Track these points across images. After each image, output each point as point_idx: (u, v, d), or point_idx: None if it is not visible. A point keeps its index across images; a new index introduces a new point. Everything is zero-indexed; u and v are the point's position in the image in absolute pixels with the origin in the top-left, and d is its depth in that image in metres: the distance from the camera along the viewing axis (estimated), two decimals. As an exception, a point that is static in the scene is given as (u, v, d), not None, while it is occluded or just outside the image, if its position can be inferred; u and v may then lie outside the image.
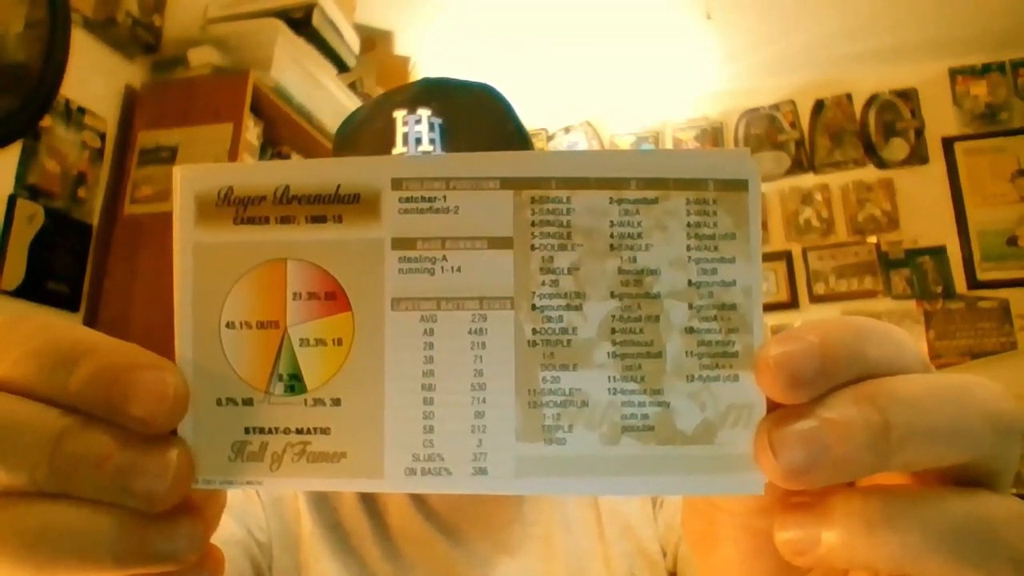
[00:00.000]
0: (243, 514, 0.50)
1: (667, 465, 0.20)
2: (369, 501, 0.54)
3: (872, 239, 2.44)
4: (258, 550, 0.50)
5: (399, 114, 0.54)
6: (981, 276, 2.34)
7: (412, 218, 0.20)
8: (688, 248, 0.20)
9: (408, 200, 0.20)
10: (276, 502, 0.52)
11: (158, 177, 1.44)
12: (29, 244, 1.28)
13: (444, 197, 0.20)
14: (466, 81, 0.60)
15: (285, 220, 0.20)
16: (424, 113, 0.54)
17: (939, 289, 2.36)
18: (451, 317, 0.20)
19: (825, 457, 0.18)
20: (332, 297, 0.20)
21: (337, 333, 0.20)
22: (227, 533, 0.47)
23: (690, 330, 0.20)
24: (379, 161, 0.21)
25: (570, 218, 0.20)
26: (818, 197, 2.53)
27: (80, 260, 1.39)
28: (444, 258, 0.20)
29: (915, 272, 2.38)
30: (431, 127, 0.54)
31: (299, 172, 0.20)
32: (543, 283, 0.20)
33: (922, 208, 2.43)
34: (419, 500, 0.54)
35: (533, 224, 0.20)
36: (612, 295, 0.20)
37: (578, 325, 0.20)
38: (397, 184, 0.20)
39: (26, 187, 1.28)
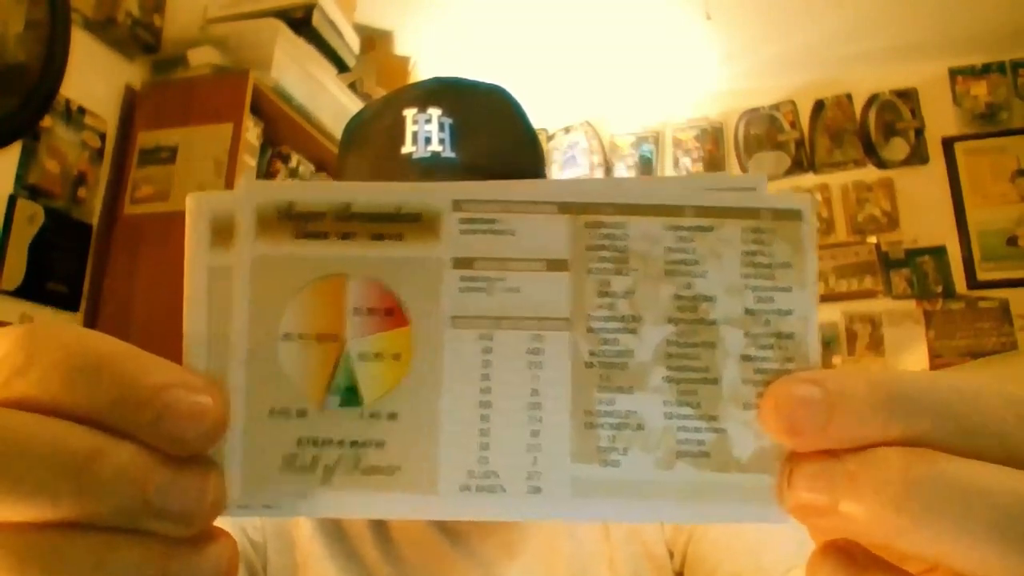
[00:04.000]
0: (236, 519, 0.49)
1: (722, 492, 0.20)
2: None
3: (872, 239, 2.44)
4: (252, 549, 0.50)
5: (409, 112, 0.54)
6: (981, 276, 2.34)
7: (471, 238, 0.21)
8: (744, 276, 0.20)
9: (468, 221, 0.21)
10: None
11: (158, 177, 1.44)
12: (29, 244, 1.28)
13: (503, 220, 0.21)
14: (477, 81, 0.60)
15: (346, 236, 0.20)
16: (434, 112, 0.54)
17: (939, 289, 2.36)
18: (508, 337, 0.20)
19: (833, 510, 0.17)
20: (391, 313, 0.20)
21: (396, 348, 0.20)
22: None
23: (747, 358, 0.20)
24: (441, 184, 0.21)
25: (625, 243, 0.21)
26: (818, 197, 2.53)
27: (80, 260, 1.39)
28: (503, 278, 0.20)
29: (915, 272, 2.38)
30: (441, 127, 0.54)
31: (359, 191, 0.21)
32: (599, 306, 0.20)
33: (922, 208, 2.43)
34: None
35: (589, 248, 0.21)
36: (668, 320, 0.20)
37: (634, 348, 0.20)
38: (457, 205, 0.21)
39: (26, 187, 1.28)
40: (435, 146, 0.53)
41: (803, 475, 0.18)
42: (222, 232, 0.20)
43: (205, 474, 0.18)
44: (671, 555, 0.52)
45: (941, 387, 0.18)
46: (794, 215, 0.21)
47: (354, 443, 0.20)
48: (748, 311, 0.20)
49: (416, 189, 0.21)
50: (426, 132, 0.53)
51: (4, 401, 0.17)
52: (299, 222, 0.20)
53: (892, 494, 0.16)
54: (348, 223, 0.20)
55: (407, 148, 0.53)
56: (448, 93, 0.56)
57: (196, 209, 0.20)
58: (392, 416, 0.20)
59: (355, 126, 0.61)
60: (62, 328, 0.18)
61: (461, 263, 0.20)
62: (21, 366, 0.17)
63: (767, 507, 0.19)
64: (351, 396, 0.20)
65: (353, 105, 1.77)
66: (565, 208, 0.21)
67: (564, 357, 0.20)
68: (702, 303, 0.20)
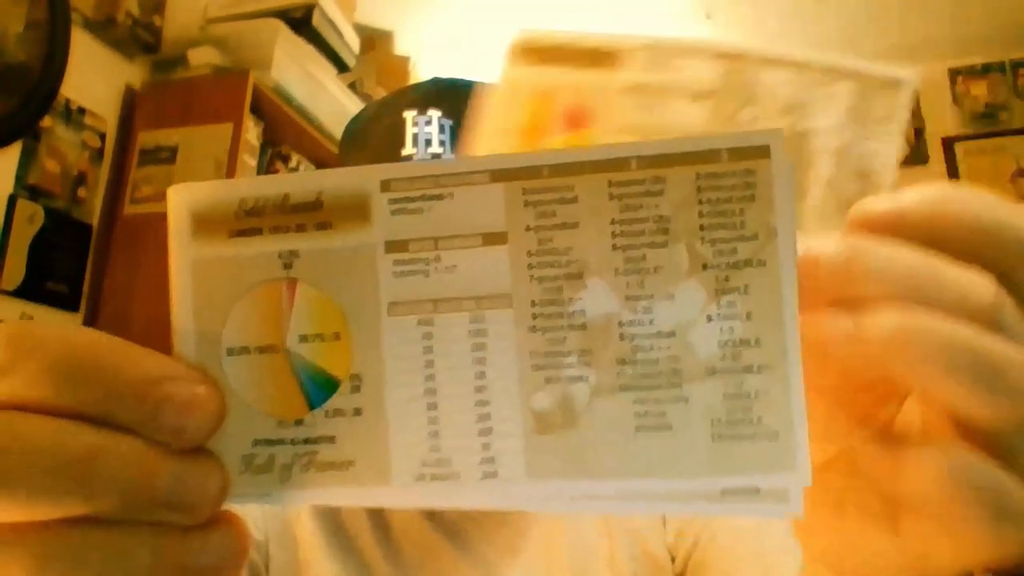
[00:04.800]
0: (239, 511, 0.49)
1: (686, 467, 0.18)
2: (370, 501, 0.54)
3: (872, 239, 2.44)
4: (254, 548, 0.50)
5: (409, 114, 0.54)
6: (981, 276, 2.34)
7: (403, 219, 0.20)
8: (701, 228, 0.19)
9: (398, 201, 0.20)
10: None
11: (158, 177, 1.44)
12: (29, 244, 1.28)
13: (434, 196, 0.20)
14: (478, 82, 0.60)
15: (277, 230, 0.20)
16: (434, 114, 0.54)
17: (939, 289, 2.36)
18: (449, 319, 0.19)
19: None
20: (328, 310, 0.20)
21: (334, 328, 0.20)
22: None
23: (709, 319, 0.18)
24: (367, 167, 0.20)
25: (567, 206, 0.19)
26: (818, 197, 2.53)
27: (80, 260, 1.39)
28: (438, 258, 0.20)
29: (915, 272, 2.38)
30: (441, 128, 0.54)
31: (287, 182, 0.20)
32: (542, 278, 0.19)
33: (922, 208, 2.43)
34: None
35: (527, 216, 0.19)
36: (619, 281, 0.19)
37: (584, 310, 0.19)
38: (386, 186, 0.20)
39: (26, 187, 1.28)
40: (435, 148, 0.53)
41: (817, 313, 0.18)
42: (203, 224, 0.20)
43: (206, 463, 0.18)
44: (672, 559, 0.52)
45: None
46: (759, 152, 0.19)
47: (307, 440, 0.20)
48: (707, 266, 0.18)
49: (339, 173, 0.20)
50: (426, 134, 0.53)
51: None
52: (231, 220, 0.20)
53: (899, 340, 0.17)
54: (279, 216, 0.20)
55: (407, 150, 0.53)
56: (448, 95, 0.56)
57: (176, 201, 0.20)
58: (339, 412, 0.20)
59: (355, 128, 0.61)
60: (46, 327, 0.18)
61: (394, 246, 0.20)
62: (9, 366, 0.17)
63: (742, 501, 0.18)
64: (325, 382, 0.20)
65: (353, 105, 1.77)
66: (498, 176, 0.19)
67: (508, 336, 0.19)
68: (655, 261, 0.19)
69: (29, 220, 1.28)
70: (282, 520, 0.52)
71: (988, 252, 0.18)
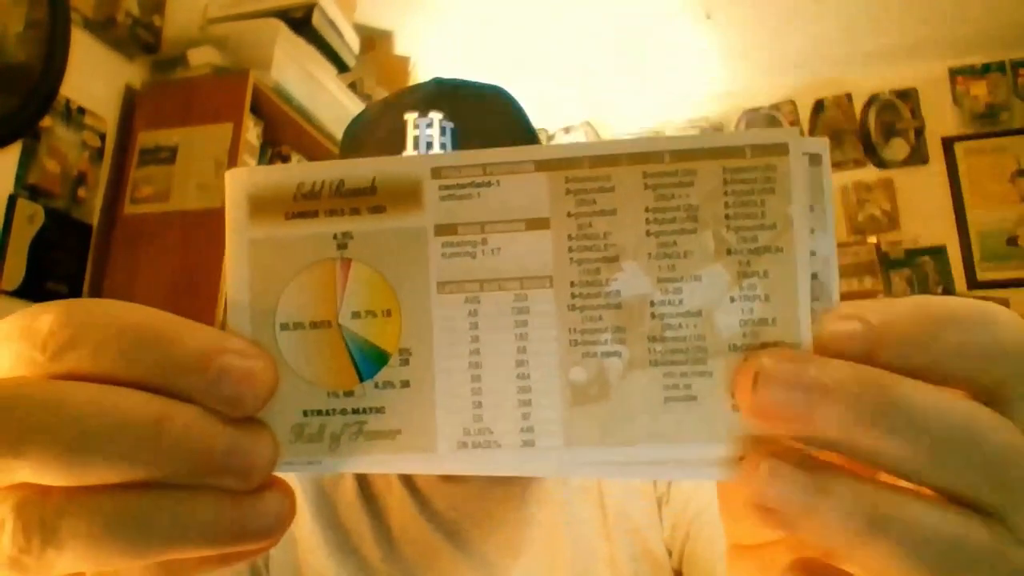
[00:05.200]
0: None
1: (709, 433, 0.20)
2: (370, 500, 0.54)
3: (872, 239, 2.44)
4: None
5: (410, 116, 0.54)
6: (981, 276, 2.34)
7: (452, 204, 0.21)
8: (727, 216, 0.20)
9: (448, 188, 0.21)
10: None
11: (158, 177, 1.44)
12: (29, 244, 1.28)
13: (482, 183, 0.21)
14: (478, 83, 0.60)
15: (332, 213, 0.21)
16: (436, 116, 0.54)
17: (939, 289, 2.35)
18: (494, 298, 0.21)
19: (798, 411, 0.18)
20: (381, 290, 0.21)
21: (385, 305, 0.21)
22: None
23: (733, 299, 0.20)
24: (419, 156, 0.21)
25: (606, 195, 0.21)
26: (818, 197, 2.53)
27: (80, 260, 1.39)
28: (484, 241, 0.21)
29: (915, 272, 2.38)
30: (443, 131, 0.54)
31: (342, 168, 0.21)
32: (582, 260, 0.21)
33: (922, 208, 2.43)
34: (421, 500, 0.54)
35: (569, 204, 0.21)
36: (652, 264, 0.20)
37: (620, 290, 0.20)
38: (437, 173, 0.21)
39: (26, 187, 1.28)
40: (436, 150, 0.53)
41: (781, 371, 0.18)
42: (260, 206, 0.21)
43: (260, 432, 0.19)
44: (670, 554, 0.52)
45: (952, 311, 0.18)
46: (779, 150, 0.20)
47: (356, 410, 0.21)
48: (731, 251, 0.20)
49: (393, 160, 0.21)
50: (427, 136, 0.53)
51: (58, 374, 0.18)
52: (288, 203, 0.21)
53: (852, 529, 0.17)
54: (334, 200, 0.21)
55: (408, 152, 0.53)
56: (449, 96, 0.56)
57: (233, 184, 0.21)
58: (388, 384, 0.21)
59: (356, 129, 0.62)
60: (103, 302, 0.19)
61: (443, 230, 0.21)
62: (70, 340, 0.18)
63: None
64: (375, 355, 0.21)
65: (353, 105, 1.77)
66: (542, 166, 0.21)
67: (549, 314, 0.21)
68: (685, 246, 0.20)
69: (29, 220, 1.28)
70: None
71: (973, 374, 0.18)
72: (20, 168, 1.27)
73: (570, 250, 0.21)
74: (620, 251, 0.20)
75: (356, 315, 0.21)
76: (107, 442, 0.17)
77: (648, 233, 0.20)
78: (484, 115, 0.57)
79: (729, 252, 0.20)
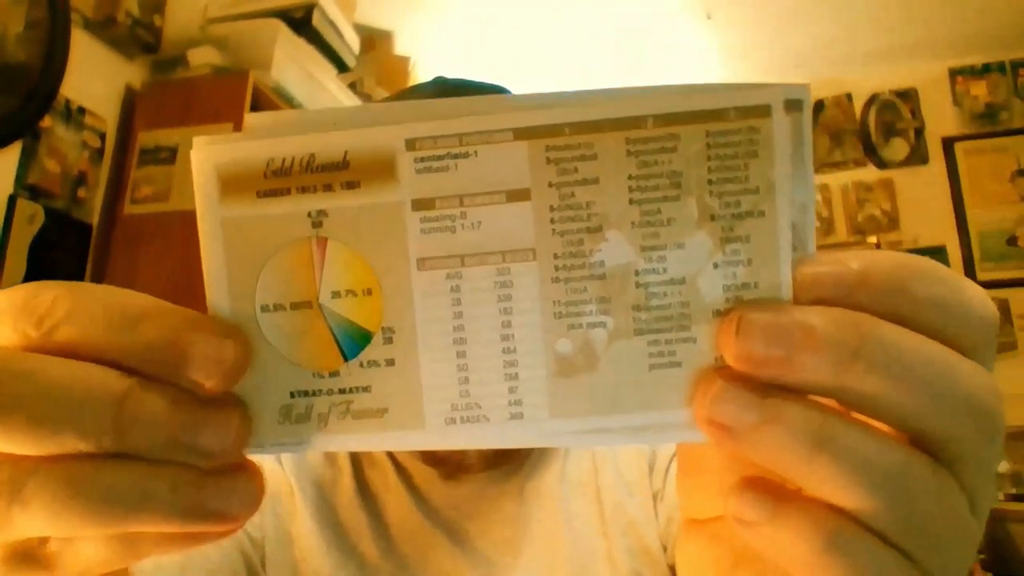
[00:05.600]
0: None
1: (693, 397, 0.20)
2: (368, 499, 0.54)
3: (872, 239, 2.44)
4: (250, 544, 0.50)
5: None
6: (981, 276, 2.34)
7: (429, 177, 0.20)
8: (710, 181, 0.20)
9: (423, 160, 0.20)
10: (272, 497, 0.52)
11: (158, 177, 1.44)
12: (29, 244, 1.28)
13: (459, 154, 0.20)
14: (482, 83, 0.60)
15: (305, 190, 0.21)
16: None
17: (939, 289, 2.36)
18: (476, 272, 0.20)
19: (783, 355, 0.18)
20: (358, 268, 0.21)
21: (365, 284, 0.21)
22: None
23: (717, 265, 0.20)
24: (392, 121, 0.21)
25: (588, 163, 0.20)
26: (818, 197, 2.53)
27: (80, 260, 1.39)
28: (464, 215, 0.20)
29: (915, 272, 2.38)
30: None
31: (313, 142, 0.21)
32: (564, 231, 0.20)
33: (922, 208, 2.43)
34: (419, 497, 0.54)
35: (550, 172, 0.20)
36: (635, 232, 0.20)
37: (604, 261, 0.20)
38: (411, 145, 0.21)
39: (26, 187, 1.28)
40: None
41: (760, 320, 0.19)
42: (230, 183, 0.21)
43: (230, 411, 0.20)
44: (664, 548, 0.52)
45: (924, 264, 0.19)
46: (761, 112, 0.20)
47: (343, 390, 0.21)
48: (714, 217, 0.20)
49: (364, 132, 0.21)
50: None
51: (49, 345, 0.19)
52: (259, 180, 0.21)
53: (799, 453, 0.18)
54: (306, 176, 0.21)
55: None
56: (453, 96, 0.56)
57: (201, 158, 0.21)
58: (373, 363, 0.21)
59: None
60: (102, 286, 0.20)
61: (421, 204, 0.20)
62: (64, 318, 0.19)
63: None
64: (358, 334, 0.21)
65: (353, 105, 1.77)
66: (522, 134, 0.20)
67: (532, 287, 0.20)
68: (668, 213, 0.20)
69: (29, 220, 1.28)
70: (279, 517, 0.52)
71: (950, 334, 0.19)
72: (20, 168, 1.27)
73: (552, 221, 0.20)
74: (603, 221, 0.20)
75: (336, 295, 0.21)
76: (70, 413, 0.18)
77: (631, 201, 0.20)
78: None
79: (712, 218, 0.20)
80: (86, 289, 0.20)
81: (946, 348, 0.19)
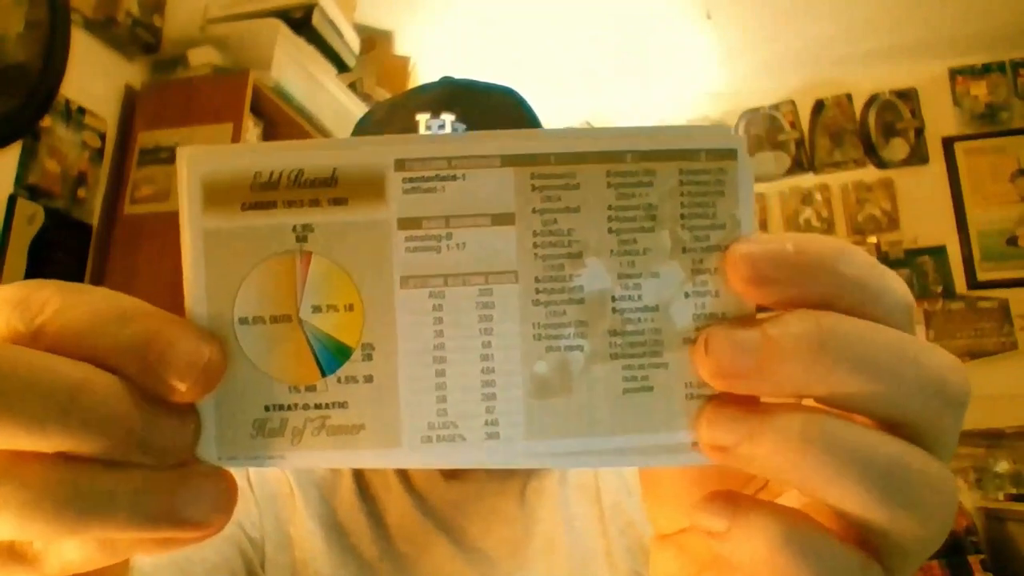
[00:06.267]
0: (235, 509, 0.49)
1: (664, 422, 0.21)
2: (368, 500, 0.54)
3: (872, 239, 2.44)
4: (250, 546, 0.50)
5: (422, 117, 0.54)
6: (981, 276, 2.34)
7: (416, 198, 0.21)
8: (683, 216, 0.21)
9: (412, 180, 0.21)
10: (271, 499, 0.52)
11: (158, 177, 1.44)
12: (29, 244, 1.28)
13: (447, 176, 0.21)
14: (490, 84, 0.60)
15: (291, 204, 0.21)
16: (448, 118, 0.54)
17: (939, 289, 2.36)
18: (458, 292, 0.21)
19: (752, 364, 0.19)
20: (341, 284, 0.21)
21: (347, 300, 0.21)
22: None
23: (687, 295, 0.21)
24: (382, 143, 0.21)
25: (571, 192, 0.21)
26: (818, 197, 2.53)
27: (80, 260, 1.39)
28: (449, 235, 0.21)
29: (915, 272, 2.38)
30: (455, 132, 0.54)
31: (301, 156, 0.21)
32: (546, 256, 0.21)
33: (922, 208, 2.43)
34: (419, 498, 0.54)
35: (535, 199, 0.21)
36: (613, 260, 0.21)
37: (583, 286, 0.21)
38: (400, 165, 0.21)
39: (26, 187, 1.28)
40: None
41: (726, 334, 0.19)
42: (215, 194, 0.21)
43: (186, 414, 0.20)
44: None
45: (850, 247, 0.20)
46: (729, 155, 0.21)
47: (319, 405, 0.21)
48: (686, 249, 0.21)
49: (355, 147, 0.21)
50: None
51: (35, 342, 0.19)
52: (244, 193, 0.21)
53: (791, 454, 0.19)
54: (293, 191, 0.21)
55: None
56: (461, 97, 0.56)
57: (187, 167, 0.21)
58: (351, 379, 0.21)
59: (365, 128, 0.62)
60: (86, 286, 0.20)
61: (407, 223, 0.21)
62: (54, 313, 0.19)
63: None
64: (337, 349, 0.21)
65: (353, 105, 1.77)
66: (509, 161, 0.21)
67: (513, 309, 0.21)
68: (644, 243, 0.21)
69: (29, 220, 1.28)
70: (279, 519, 0.52)
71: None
72: (20, 168, 1.27)
73: (535, 246, 0.21)
74: (584, 247, 0.21)
75: (317, 309, 0.20)
76: (21, 405, 0.18)
77: (610, 231, 0.21)
78: (495, 117, 0.57)
79: (684, 250, 0.21)
80: (74, 289, 0.20)
81: (900, 332, 0.19)
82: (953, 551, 1.92)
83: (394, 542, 0.52)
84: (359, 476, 0.55)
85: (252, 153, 0.21)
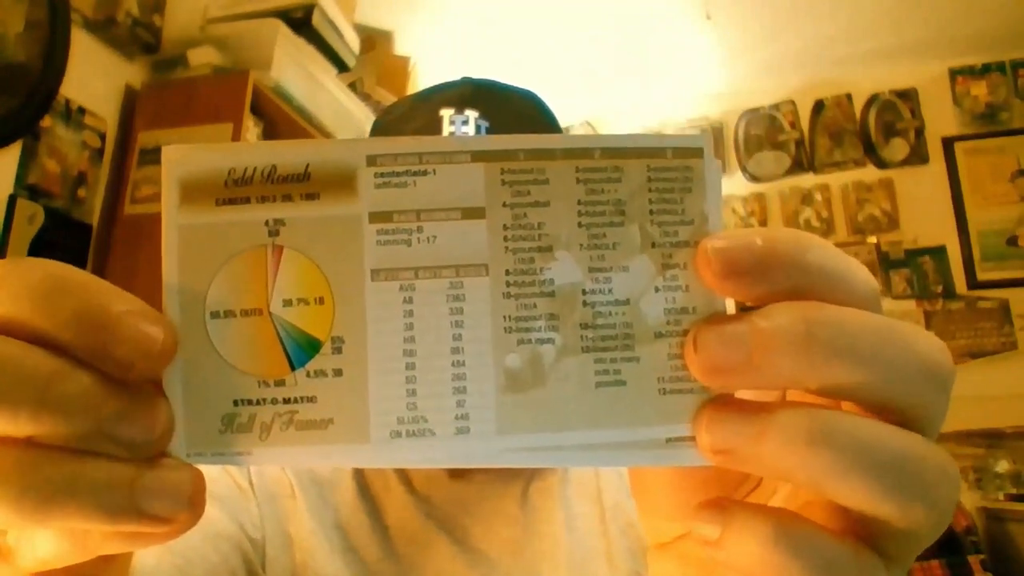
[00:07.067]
0: (236, 509, 0.49)
1: (638, 417, 0.20)
2: (369, 500, 0.54)
3: (872, 239, 2.44)
4: (250, 546, 0.49)
5: (446, 112, 0.54)
6: (981, 276, 2.34)
7: (388, 192, 0.21)
8: (651, 212, 0.21)
9: (383, 175, 0.21)
10: (272, 499, 0.52)
11: (158, 177, 1.42)
12: (29, 244, 1.28)
13: (418, 171, 0.21)
14: (512, 85, 0.60)
15: (264, 200, 0.21)
16: (472, 115, 0.54)
17: (939, 289, 2.36)
18: (429, 285, 0.21)
19: (743, 358, 0.19)
20: (312, 278, 0.21)
21: (317, 292, 0.21)
22: (218, 527, 0.47)
23: (657, 289, 0.21)
24: (355, 141, 0.21)
25: (540, 187, 0.21)
26: (818, 197, 2.53)
27: (80, 260, 1.39)
28: (420, 229, 0.21)
29: (915, 272, 2.38)
30: (478, 129, 0.54)
31: (275, 153, 0.21)
32: (516, 249, 0.21)
33: (922, 208, 2.43)
34: (420, 498, 0.54)
35: (505, 194, 0.21)
36: (581, 247, 0.21)
37: (553, 279, 0.21)
38: (372, 161, 0.21)
39: (26, 187, 1.28)
40: None
41: (714, 332, 0.19)
42: (190, 191, 0.21)
43: (156, 403, 0.19)
44: None
45: (814, 237, 0.20)
46: (695, 153, 0.21)
47: (287, 399, 0.20)
48: (655, 244, 0.21)
49: (327, 146, 0.21)
50: (463, 133, 0.54)
51: None
52: (219, 189, 0.21)
53: (798, 453, 0.18)
54: (266, 186, 0.21)
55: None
56: (485, 96, 0.56)
57: (168, 165, 0.21)
58: (320, 372, 0.21)
59: (387, 121, 0.62)
60: (41, 261, 0.20)
61: (378, 217, 0.21)
62: (3, 295, 0.19)
63: (683, 448, 0.20)
64: (307, 343, 0.21)
65: (353, 105, 1.77)
66: (479, 156, 0.21)
67: (484, 302, 0.21)
68: (614, 238, 0.21)
69: (29, 220, 1.28)
70: (280, 519, 0.52)
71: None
72: (20, 168, 1.27)
73: (505, 239, 0.21)
74: (554, 241, 0.21)
75: (287, 303, 0.21)
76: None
77: (580, 225, 0.21)
78: (519, 118, 0.57)
79: (653, 245, 0.21)
80: (22, 263, 0.19)
81: (884, 316, 0.19)
82: (953, 551, 1.92)
83: (395, 543, 0.52)
84: (360, 476, 0.55)
85: (228, 151, 0.21)
